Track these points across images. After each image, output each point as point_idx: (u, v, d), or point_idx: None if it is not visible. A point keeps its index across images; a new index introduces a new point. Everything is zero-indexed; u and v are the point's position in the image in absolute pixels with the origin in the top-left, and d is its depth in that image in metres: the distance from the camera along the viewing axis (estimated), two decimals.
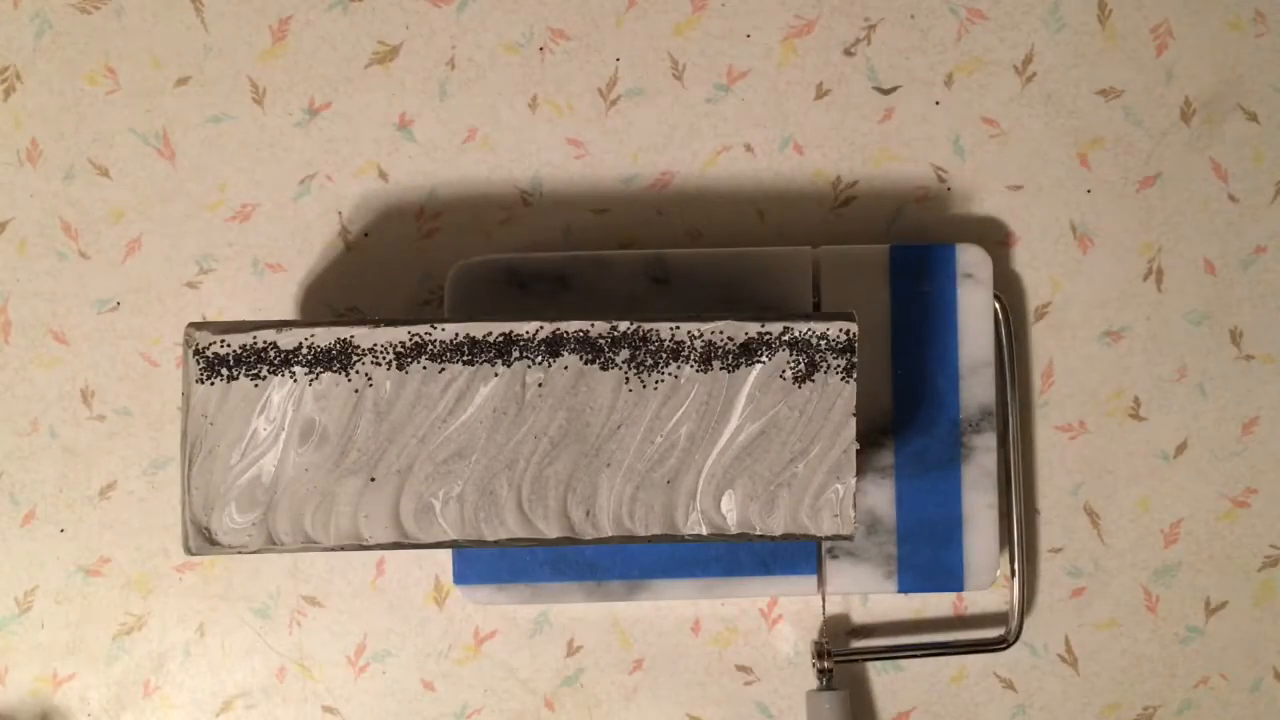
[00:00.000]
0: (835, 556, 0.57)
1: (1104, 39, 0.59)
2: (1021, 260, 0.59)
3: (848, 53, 0.60)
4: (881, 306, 0.57)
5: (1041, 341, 0.59)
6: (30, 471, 0.60)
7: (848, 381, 0.49)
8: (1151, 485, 0.60)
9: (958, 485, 0.57)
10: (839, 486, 0.49)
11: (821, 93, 0.60)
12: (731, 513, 0.49)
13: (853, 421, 0.49)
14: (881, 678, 0.60)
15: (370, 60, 0.59)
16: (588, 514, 0.49)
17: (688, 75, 0.59)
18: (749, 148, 0.60)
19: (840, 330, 0.49)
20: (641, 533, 0.49)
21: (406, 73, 0.59)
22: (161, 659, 0.59)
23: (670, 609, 0.60)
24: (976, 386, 0.57)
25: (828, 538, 0.50)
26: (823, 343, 0.49)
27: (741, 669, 0.60)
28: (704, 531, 0.49)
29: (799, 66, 0.59)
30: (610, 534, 0.49)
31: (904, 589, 0.57)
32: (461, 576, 0.57)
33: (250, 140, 0.59)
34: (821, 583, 0.58)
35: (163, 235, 0.60)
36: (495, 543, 0.50)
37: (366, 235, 0.60)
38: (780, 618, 0.60)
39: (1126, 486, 0.59)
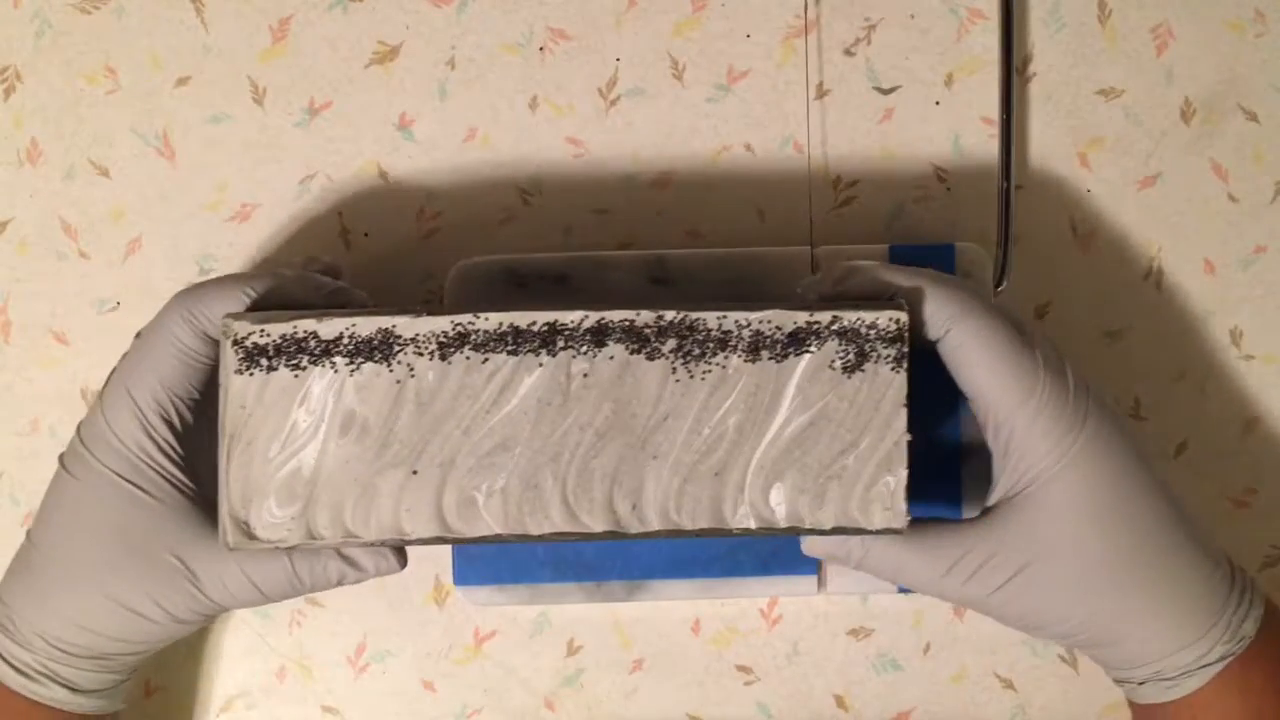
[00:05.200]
0: None
1: (1104, 39, 0.59)
2: (1021, 260, 0.59)
3: (848, 53, 0.60)
4: None
5: None
6: (30, 471, 0.60)
7: (898, 372, 0.48)
8: None
9: (958, 485, 0.57)
10: (890, 479, 0.48)
11: (821, 93, 0.60)
12: (780, 506, 0.48)
13: (903, 413, 0.48)
14: (881, 678, 0.60)
15: (370, 60, 0.59)
16: (634, 507, 0.48)
17: (688, 75, 0.59)
18: (749, 148, 0.60)
19: (890, 320, 0.48)
20: (689, 526, 0.48)
21: (406, 73, 0.59)
22: (162, 659, 0.59)
23: (670, 609, 0.60)
24: None
25: (879, 531, 0.48)
26: (872, 332, 0.48)
27: (741, 669, 0.60)
28: (753, 525, 0.48)
29: (799, 66, 0.59)
30: (657, 528, 0.48)
31: (904, 589, 0.57)
32: (461, 577, 0.57)
33: (250, 140, 0.59)
34: (821, 583, 0.58)
35: (163, 235, 0.60)
36: (539, 537, 0.48)
37: (366, 235, 0.60)
38: (780, 618, 0.60)
39: None
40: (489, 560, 0.57)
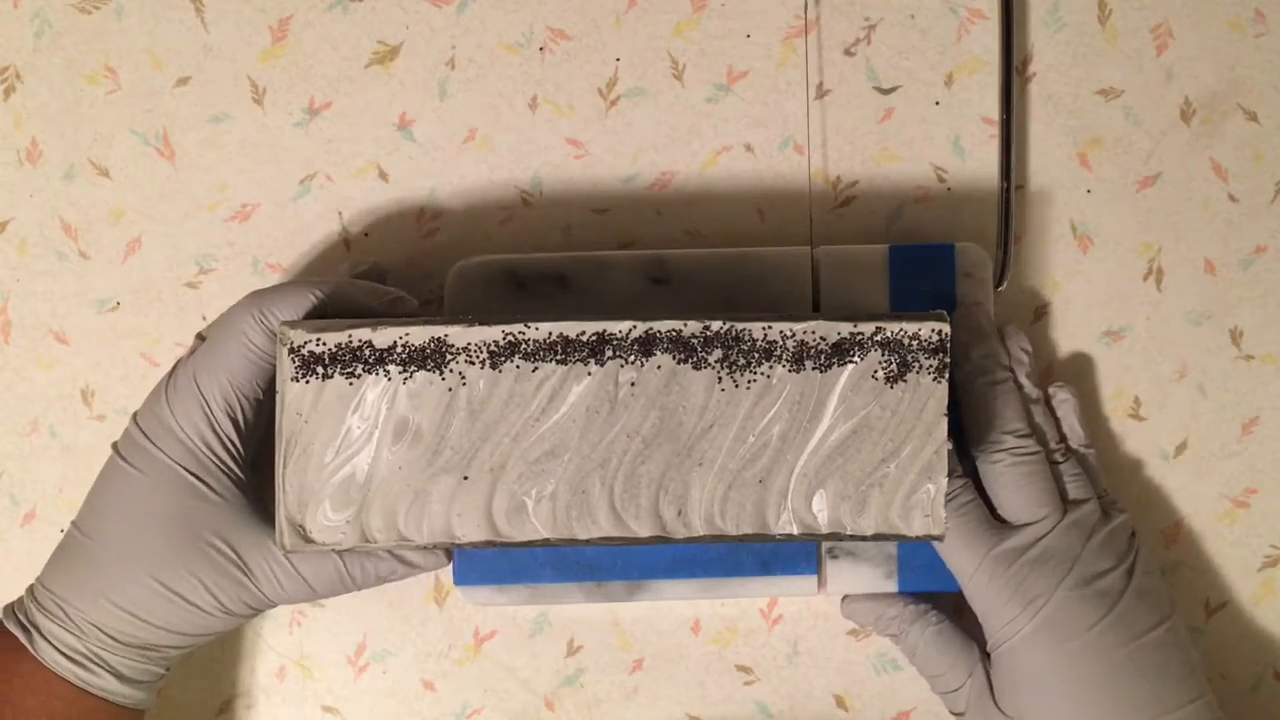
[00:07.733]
0: (835, 557, 0.57)
1: (1104, 39, 0.59)
2: (1021, 260, 0.59)
3: (848, 53, 0.60)
4: (881, 306, 0.57)
5: (1041, 341, 0.59)
6: (30, 471, 0.60)
7: (939, 382, 0.49)
8: (1151, 485, 0.60)
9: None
10: (930, 487, 0.49)
11: (821, 93, 0.60)
12: (822, 512, 0.49)
13: (944, 421, 0.49)
14: (881, 678, 0.60)
15: (370, 60, 0.59)
16: (679, 513, 0.49)
17: (688, 75, 0.59)
18: (749, 148, 0.59)
19: (932, 330, 0.49)
20: (733, 532, 0.49)
21: (406, 73, 0.59)
22: None
23: (670, 609, 0.60)
24: None
25: (919, 538, 0.49)
26: (914, 343, 0.49)
27: (741, 669, 0.60)
28: (795, 531, 0.49)
29: (799, 66, 0.59)
30: (702, 533, 0.49)
31: (904, 589, 0.57)
32: (461, 577, 0.57)
33: (250, 140, 0.59)
34: (821, 583, 0.58)
35: (163, 235, 0.60)
36: (587, 541, 0.49)
37: (366, 235, 0.60)
38: (780, 618, 0.60)
39: (1126, 486, 0.59)
40: (489, 560, 0.57)
